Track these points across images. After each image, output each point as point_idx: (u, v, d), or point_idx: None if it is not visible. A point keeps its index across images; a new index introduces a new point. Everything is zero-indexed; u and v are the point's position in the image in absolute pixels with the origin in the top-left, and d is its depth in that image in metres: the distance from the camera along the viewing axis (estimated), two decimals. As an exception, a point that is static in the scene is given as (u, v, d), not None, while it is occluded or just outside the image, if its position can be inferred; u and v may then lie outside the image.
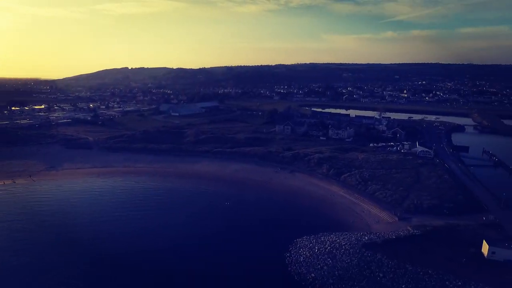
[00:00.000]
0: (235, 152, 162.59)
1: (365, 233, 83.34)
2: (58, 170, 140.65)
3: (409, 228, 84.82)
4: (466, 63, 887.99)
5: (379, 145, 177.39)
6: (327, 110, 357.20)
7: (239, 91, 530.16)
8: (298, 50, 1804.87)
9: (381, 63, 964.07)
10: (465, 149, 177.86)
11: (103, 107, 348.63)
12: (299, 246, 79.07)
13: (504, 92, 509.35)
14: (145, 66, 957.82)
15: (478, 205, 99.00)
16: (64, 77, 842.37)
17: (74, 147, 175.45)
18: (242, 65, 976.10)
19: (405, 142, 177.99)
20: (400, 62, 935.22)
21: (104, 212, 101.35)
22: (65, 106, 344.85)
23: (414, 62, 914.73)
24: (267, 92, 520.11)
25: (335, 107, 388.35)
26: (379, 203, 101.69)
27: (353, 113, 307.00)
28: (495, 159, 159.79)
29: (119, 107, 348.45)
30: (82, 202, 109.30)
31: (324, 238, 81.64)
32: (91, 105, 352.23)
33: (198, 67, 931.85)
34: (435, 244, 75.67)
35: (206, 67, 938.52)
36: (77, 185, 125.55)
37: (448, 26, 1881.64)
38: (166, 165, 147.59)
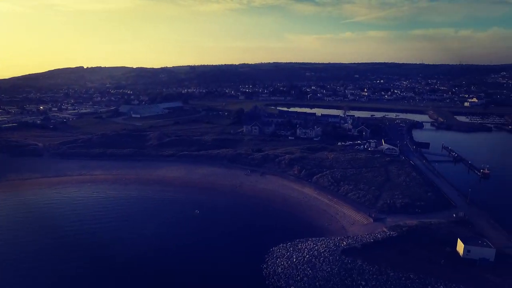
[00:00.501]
0: (202, 155, 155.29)
1: (343, 237, 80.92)
2: (1, 182, 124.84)
3: (384, 229, 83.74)
4: (418, 63, 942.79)
5: (347, 143, 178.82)
6: (292, 109, 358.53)
7: (204, 91, 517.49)
8: (262, 49, 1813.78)
9: (342, 62, 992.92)
10: (426, 145, 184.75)
11: (55, 109, 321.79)
12: (276, 255, 74.64)
13: (454, 90, 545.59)
14: (102, 66, 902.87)
15: (447, 202, 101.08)
16: (10, 76, 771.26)
17: (21, 154, 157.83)
18: (206, 64, 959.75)
19: (371, 140, 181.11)
20: (359, 62, 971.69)
21: (56, 227, 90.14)
22: (10, 109, 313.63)
23: (372, 62, 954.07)
24: (232, 92, 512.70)
25: (300, 106, 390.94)
26: (353, 204, 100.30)
27: (318, 111, 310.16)
28: (454, 154, 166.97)
29: (74, 109, 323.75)
30: (30, 217, 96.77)
31: (301, 245, 77.92)
32: (41, 107, 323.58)
33: (159, 67, 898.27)
34: (412, 245, 74.89)
35: (168, 66, 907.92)
36: (24, 198, 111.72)
37: (401, 28, 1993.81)
38: (128, 172, 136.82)
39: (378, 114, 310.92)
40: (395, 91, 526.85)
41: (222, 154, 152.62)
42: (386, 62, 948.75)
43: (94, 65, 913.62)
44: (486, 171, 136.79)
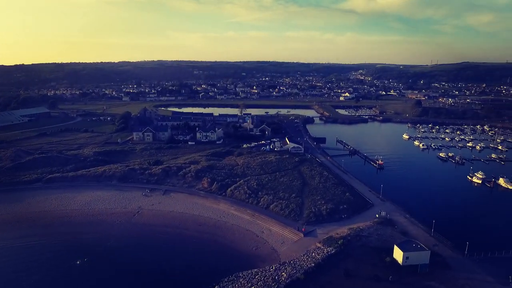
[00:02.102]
0: (82, 175, 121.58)
1: (278, 264, 68.27)
2: None
3: (318, 244, 75.19)
4: (296, 62, 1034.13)
5: (252, 145, 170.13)
6: (185, 109, 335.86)
7: (77, 93, 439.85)
8: (144, 46, 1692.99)
9: (228, 61, 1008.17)
10: (323, 140, 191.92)
11: None
12: (204, 311, 56.64)
13: (328, 86, 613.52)
14: None
15: (364, 201, 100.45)
16: None
17: None
18: (78, 61, 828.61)
19: (275, 139, 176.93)
20: (245, 60, 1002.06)
21: None
22: None
23: (256, 61, 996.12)
24: (114, 93, 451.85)
25: (194, 106, 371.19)
26: (277, 218, 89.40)
27: (214, 111, 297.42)
28: (350, 147, 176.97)
29: None
30: None
31: (232, 287, 61.73)
32: None
33: (13, 64, 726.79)
34: (354, 261, 67.85)
35: (26, 63, 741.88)
36: None
37: (277, 29, 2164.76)
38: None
39: (271, 111, 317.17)
40: (281, 88, 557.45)
41: (110, 172, 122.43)
42: (269, 61, 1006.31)
43: None
44: (381, 162, 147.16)
